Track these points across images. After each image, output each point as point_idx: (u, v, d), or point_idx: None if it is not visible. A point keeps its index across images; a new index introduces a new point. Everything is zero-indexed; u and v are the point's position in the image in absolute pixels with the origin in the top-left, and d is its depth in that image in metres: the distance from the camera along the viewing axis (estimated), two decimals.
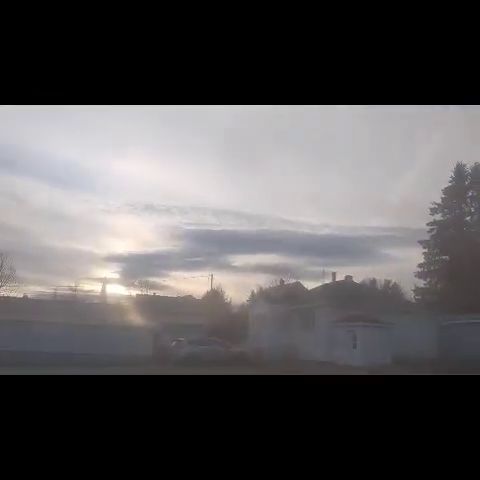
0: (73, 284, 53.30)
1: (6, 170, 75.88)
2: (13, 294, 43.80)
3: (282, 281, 45.74)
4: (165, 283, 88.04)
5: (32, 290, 55.80)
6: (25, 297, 42.24)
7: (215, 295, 48.81)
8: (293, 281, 45.47)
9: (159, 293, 49.82)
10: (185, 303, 42.60)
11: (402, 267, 78.19)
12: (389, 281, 52.84)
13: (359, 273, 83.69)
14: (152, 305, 37.53)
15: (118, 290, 69.29)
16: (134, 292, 51.70)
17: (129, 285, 59.25)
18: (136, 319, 31.18)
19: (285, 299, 34.59)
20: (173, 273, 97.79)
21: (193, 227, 79.34)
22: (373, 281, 50.91)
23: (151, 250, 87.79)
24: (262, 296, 42.07)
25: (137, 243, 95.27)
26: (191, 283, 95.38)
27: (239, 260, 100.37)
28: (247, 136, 79.24)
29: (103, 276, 62.06)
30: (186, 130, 79.13)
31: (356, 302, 28.79)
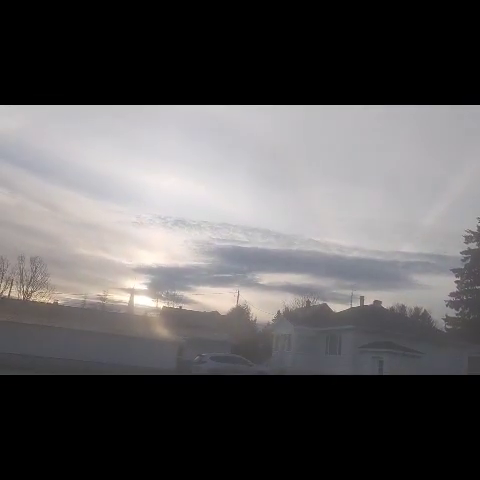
0: (102, 293, 54.23)
1: (43, 179, 78.74)
2: (44, 299, 45.13)
3: (308, 302, 45.38)
4: (192, 297, 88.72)
5: (62, 297, 57.16)
6: (55, 303, 43.29)
7: (241, 312, 48.70)
8: (320, 303, 45.06)
9: (186, 307, 50.18)
10: (211, 318, 42.71)
11: (433, 295, 76.24)
12: (419, 309, 51.59)
13: (388, 298, 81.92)
14: (178, 318, 37.77)
15: (145, 301, 69.99)
16: (161, 304, 52.24)
17: (156, 297, 59.89)
18: (162, 332, 31.44)
19: (311, 320, 34.22)
20: (200, 288, 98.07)
21: (222, 243, 79.82)
22: (402, 307, 49.86)
23: (180, 264, 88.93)
24: (288, 316, 41.72)
25: (166, 256, 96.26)
26: (218, 299, 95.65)
27: (266, 278, 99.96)
28: (279, 156, 79.78)
29: (131, 287, 62.94)
30: (219, 147, 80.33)
31: (384, 328, 28.23)
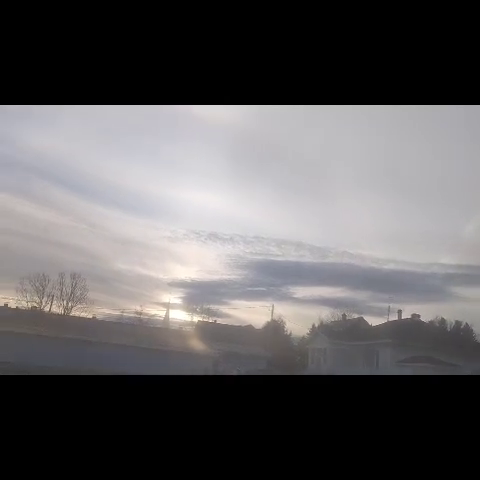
0: (138, 307, 54.98)
1: (81, 196, 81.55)
2: (83, 314, 46.25)
3: (344, 315, 44.65)
4: (226, 311, 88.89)
5: (102, 312, 58.53)
6: (94, 318, 44.34)
7: (275, 326, 48.39)
8: (355, 316, 44.27)
9: (220, 321, 50.25)
10: (246, 332, 42.71)
11: (475, 308, 73.46)
12: (460, 322, 49.81)
13: (427, 312, 79.29)
14: (213, 332, 37.98)
15: (180, 315, 70.47)
16: (196, 318, 52.54)
17: (191, 311, 60.26)
18: (197, 345, 31.68)
19: (347, 334, 33.69)
20: (234, 302, 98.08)
21: (255, 257, 79.74)
22: (442, 321, 48.26)
23: (214, 278, 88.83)
24: (323, 330, 41.16)
25: (200, 270, 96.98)
26: (252, 313, 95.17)
27: (301, 292, 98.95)
28: (311, 168, 79.58)
29: (167, 301, 63.78)
30: (251, 162, 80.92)
31: (423, 342, 27.47)
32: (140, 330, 37.87)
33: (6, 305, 37.46)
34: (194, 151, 78.30)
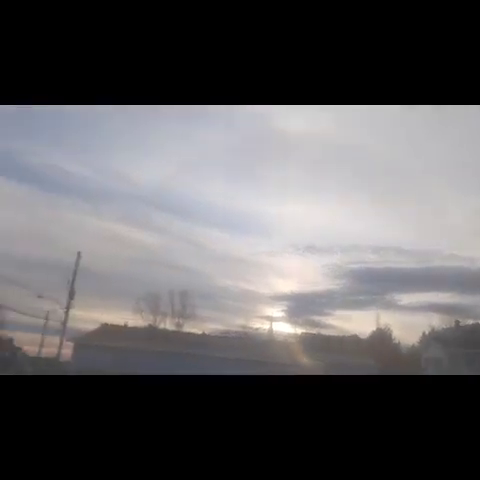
0: (243, 322, 55.98)
1: (185, 220, 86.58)
2: (193, 330, 48.52)
3: (457, 322, 41.42)
4: (329, 321, 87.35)
5: (208, 326, 60.87)
6: (203, 334, 46.33)
7: (382, 335, 46.48)
8: (470, 322, 40.88)
9: (323, 331, 49.57)
10: (351, 343, 41.66)
11: None
12: None
13: None
14: (317, 344, 37.63)
15: (284, 328, 70.63)
16: (299, 330, 52.38)
17: (294, 323, 60.06)
18: (302, 357, 31.62)
19: (463, 342, 31.32)
20: (336, 312, 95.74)
21: (354, 265, 77.35)
22: None
23: (314, 289, 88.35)
24: (435, 338, 38.60)
25: (301, 282, 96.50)
26: (355, 322, 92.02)
27: (406, 299, 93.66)
28: (402, 169, 75.80)
29: (270, 314, 64.36)
30: (342, 170, 79.30)
31: None
32: (246, 343, 38.71)
33: (125, 325, 40.68)
34: (279, 164, 78.90)
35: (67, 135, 73.58)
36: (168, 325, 50.67)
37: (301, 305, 76.58)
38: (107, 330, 35.13)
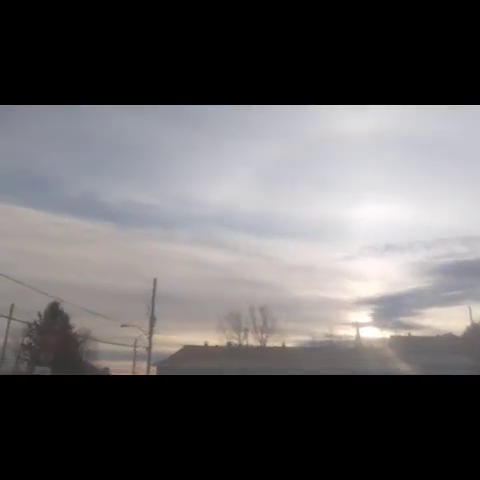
0: (327, 330, 54.28)
1: (254, 234, 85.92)
2: (276, 344, 47.96)
3: None
4: (419, 322, 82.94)
5: (291, 339, 59.89)
6: (286, 347, 44.87)
7: (477, 330, 42.27)
8: None
9: (415, 333, 46.87)
10: (446, 341, 38.66)
11: None
12: None
13: None
14: (408, 346, 35.47)
15: (372, 333, 67.21)
16: (388, 334, 49.74)
17: (383, 327, 57.01)
18: (392, 361, 29.96)
19: None
20: (427, 311, 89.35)
21: (441, 260, 72.64)
22: None
23: (400, 289, 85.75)
24: None
25: (385, 284, 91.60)
26: (448, 320, 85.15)
27: None
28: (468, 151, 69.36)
29: (354, 321, 62.12)
30: (410, 161, 74.32)
31: None
32: (332, 352, 37.50)
33: (206, 344, 41.31)
34: (347, 166, 75.84)
35: (131, 167, 77.84)
36: (251, 341, 50.67)
37: (388, 308, 73.91)
38: (189, 351, 35.64)
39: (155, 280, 31.39)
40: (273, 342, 48.61)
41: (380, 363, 29.26)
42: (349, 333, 58.50)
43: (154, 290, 31.53)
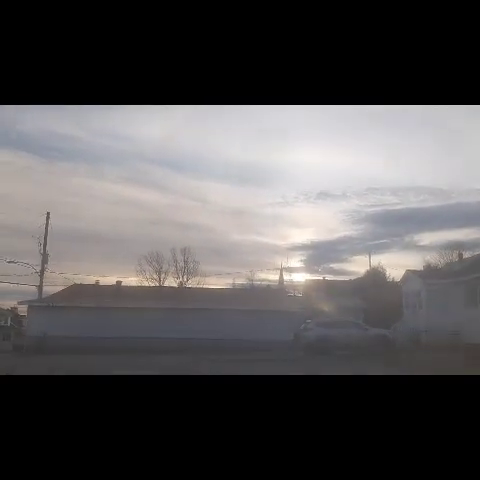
0: (248, 273, 55.01)
1: (189, 176, 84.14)
2: (198, 286, 47.83)
3: (461, 255, 40.12)
4: (348, 268, 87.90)
5: (217, 282, 59.38)
6: (205, 288, 44.43)
7: (375, 274, 46.48)
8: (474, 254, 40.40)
9: (341, 278, 49.26)
10: (347, 285, 42.18)
11: None
12: None
13: None
14: (319, 289, 38.15)
15: (300, 278, 69.79)
16: (315, 278, 51.94)
17: (313, 272, 59.23)
18: (297, 302, 32.04)
19: (446, 273, 31.56)
20: (356, 257, 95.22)
21: (372, 209, 76.71)
22: None
23: (332, 236, 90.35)
24: (414, 271, 38.29)
25: (317, 231, 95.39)
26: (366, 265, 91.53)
27: (426, 238, 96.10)
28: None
29: (286, 265, 63.66)
30: (344, 116, 75.55)
31: None
32: (252, 294, 38.59)
33: (97, 282, 38.58)
34: (288, 115, 74.74)
35: None
36: (172, 283, 50.45)
37: (319, 254, 78.25)
38: (76, 289, 32.67)
39: (48, 214, 30.41)
40: (194, 285, 48.79)
41: (283, 303, 31.32)
42: (276, 277, 60.46)
43: (47, 225, 30.67)
